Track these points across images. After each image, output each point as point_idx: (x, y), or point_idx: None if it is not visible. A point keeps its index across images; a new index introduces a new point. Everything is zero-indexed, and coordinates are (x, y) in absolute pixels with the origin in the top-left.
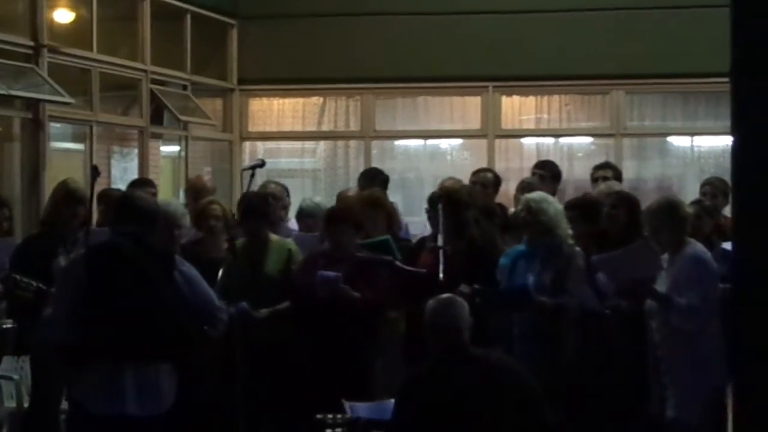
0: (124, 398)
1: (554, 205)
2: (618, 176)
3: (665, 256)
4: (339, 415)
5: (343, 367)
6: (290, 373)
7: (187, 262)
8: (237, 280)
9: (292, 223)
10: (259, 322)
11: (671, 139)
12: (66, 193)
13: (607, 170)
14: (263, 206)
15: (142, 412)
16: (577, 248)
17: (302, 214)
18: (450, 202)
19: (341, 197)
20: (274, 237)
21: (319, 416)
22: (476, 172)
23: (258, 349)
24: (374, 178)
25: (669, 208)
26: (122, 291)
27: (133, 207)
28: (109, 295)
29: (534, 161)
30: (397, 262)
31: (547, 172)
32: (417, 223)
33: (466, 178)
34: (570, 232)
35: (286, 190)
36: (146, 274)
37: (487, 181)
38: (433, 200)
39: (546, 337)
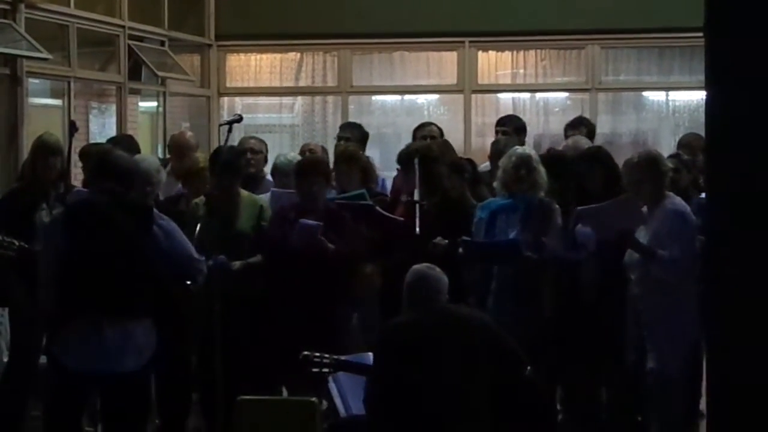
0: (104, 354)
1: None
2: (592, 132)
3: (644, 209)
4: (326, 354)
5: (316, 319)
6: (264, 327)
7: (165, 216)
8: (209, 235)
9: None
10: (235, 275)
11: (646, 93)
12: (39, 145)
13: (581, 128)
14: (235, 160)
15: (123, 367)
16: (556, 204)
17: (276, 172)
18: (423, 158)
19: (304, 150)
20: (244, 193)
21: (305, 353)
22: (420, 127)
23: (234, 303)
24: (348, 130)
25: (650, 161)
26: (101, 247)
27: (110, 164)
28: (87, 252)
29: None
30: (377, 208)
31: (510, 127)
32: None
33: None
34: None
35: (265, 145)
36: (124, 230)
37: (433, 133)
38: (402, 158)
39: (525, 292)
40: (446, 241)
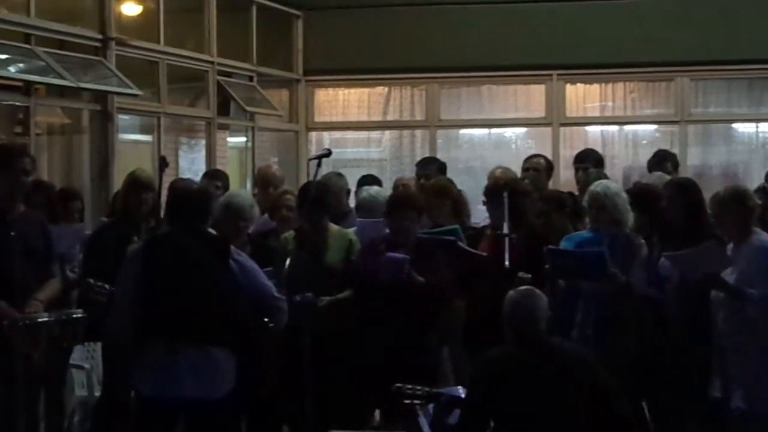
0: (180, 381)
1: (622, 195)
2: (676, 166)
3: (729, 248)
4: (418, 387)
5: (407, 351)
6: (354, 360)
7: (243, 253)
8: (299, 270)
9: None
10: (322, 311)
11: (736, 125)
12: (131, 181)
13: (665, 164)
14: (322, 196)
15: (200, 394)
16: (642, 239)
17: (360, 208)
18: (512, 192)
19: (398, 184)
20: (333, 227)
21: (398, 385)
22: (528, 158)
23: (321, 339)
24: (428, 166)
25: (736, 197)
26: (177, 276)
27: (181, 198)
28: (164, 280)
29: (600, 149)
30: (460, 243)
31: (590, 163)
32: (482, 211)
33: None
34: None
35: (345, 180)
36: (200, 260)
37: (539, 166)
38: (490, 191)
39: (608, 322)
40: (529, 275)
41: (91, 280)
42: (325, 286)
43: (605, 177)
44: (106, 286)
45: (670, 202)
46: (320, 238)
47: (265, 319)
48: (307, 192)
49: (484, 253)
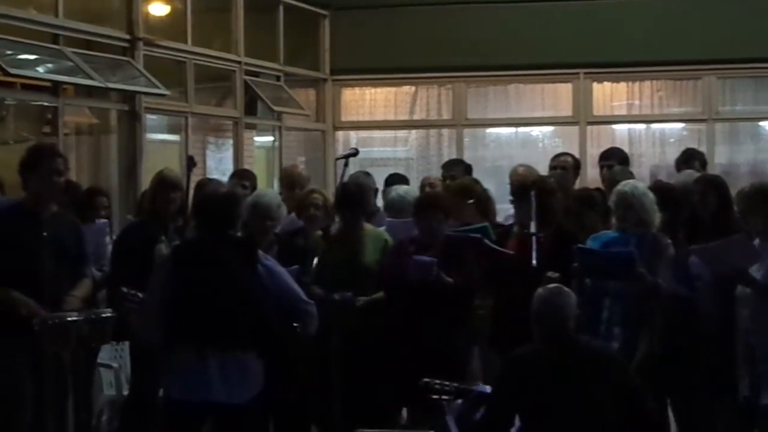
0: (209, 385)
1: (650, 195)
2: (704, 164)
3: (756, 241)
4: (446, 382)
5: (435, 352)
6: (383, 359)
7: (270, 257)
8: (334, 269)
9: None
10: (359, 311)
11: (763, 123)
12: (159, 181)
13: (693, 162)
14: (359, 196)
15: (229, 398)
16: (668, 239)
17: (389, 208)
18: (539, 190)
19: (425, 184)
20: (368, 227)
21: (426, 380)
22: (556, 157)
23: (349, 338)
24: (453, 167)
25: (761, 193)
26: (206, 282)
27: (208, 203)
28: (193, 286)
29: (626, 147)
30: (486, 241)
31: (615, 161)
32: (505, 210)
33: None
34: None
35: (372, 179)
36: (229, 266)
37: (567, 164)
38: (517, 190)
39: (636, 321)
40: (557, 274)
41: (124, 289)
42: (362, 286)
43: (630, 174)
44: (139, 295)
45: (702, 198)
46: (356, 238)
47: (294, 324)
48: (344, 192)
49: (511, 252)
